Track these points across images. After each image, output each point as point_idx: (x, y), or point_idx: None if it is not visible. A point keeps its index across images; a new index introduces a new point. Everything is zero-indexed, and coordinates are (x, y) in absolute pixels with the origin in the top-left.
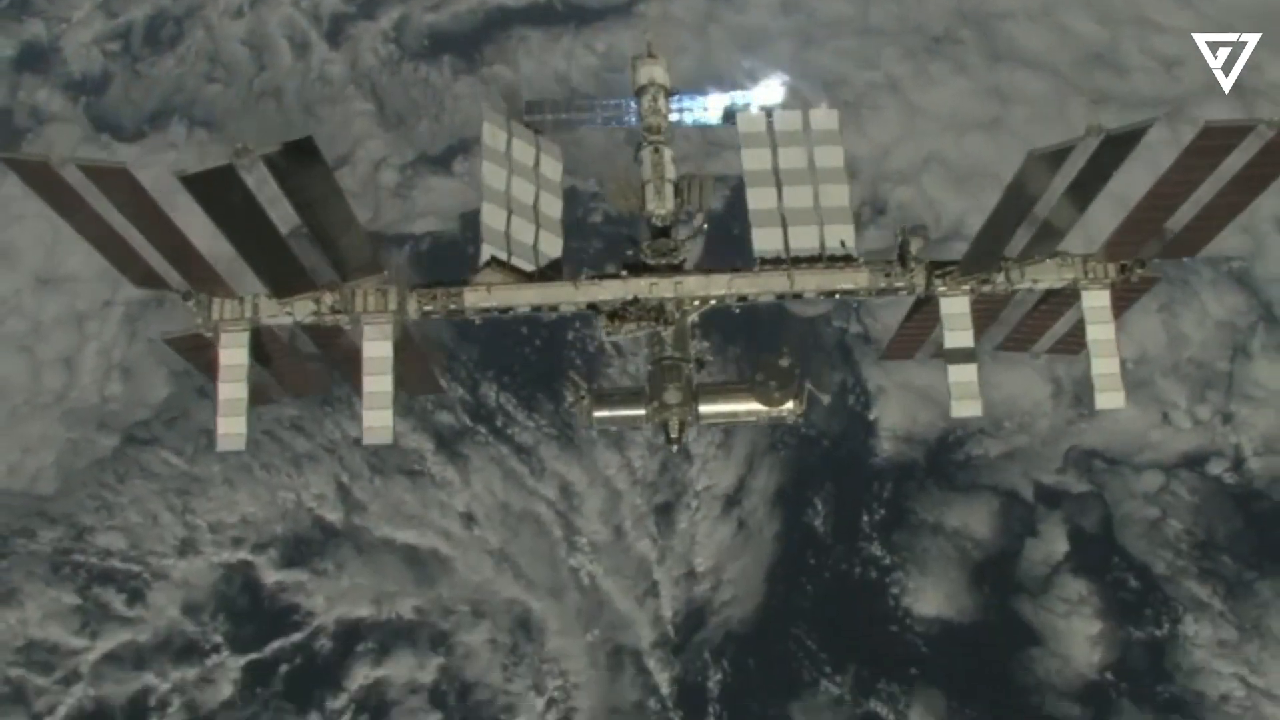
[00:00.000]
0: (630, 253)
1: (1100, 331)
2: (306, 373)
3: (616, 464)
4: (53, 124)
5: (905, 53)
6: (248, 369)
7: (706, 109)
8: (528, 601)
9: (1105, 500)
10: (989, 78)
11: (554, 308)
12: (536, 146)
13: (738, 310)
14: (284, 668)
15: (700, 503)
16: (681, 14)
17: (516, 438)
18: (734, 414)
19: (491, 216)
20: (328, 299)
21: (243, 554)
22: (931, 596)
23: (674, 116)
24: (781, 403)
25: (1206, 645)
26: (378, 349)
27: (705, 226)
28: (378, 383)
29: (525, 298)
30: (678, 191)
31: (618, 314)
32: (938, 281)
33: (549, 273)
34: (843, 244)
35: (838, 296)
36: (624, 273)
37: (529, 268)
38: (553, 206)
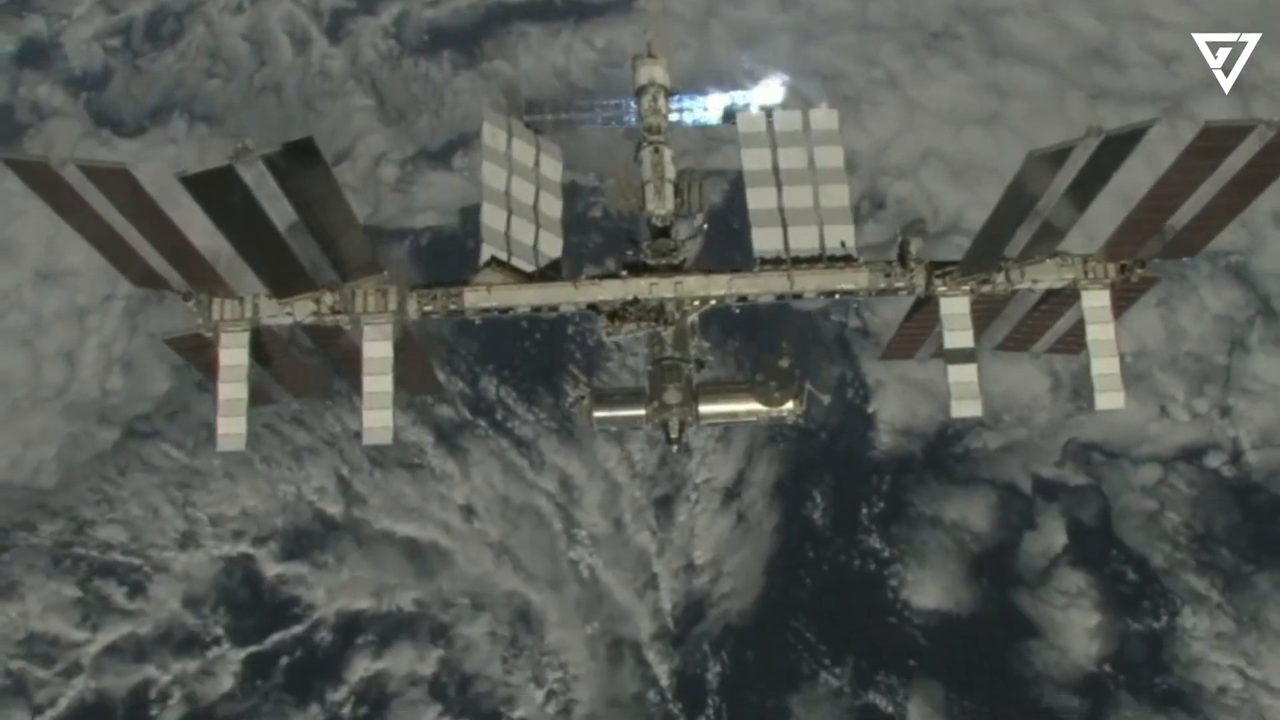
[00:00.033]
0: (630, 253)
1: (1100, 331)
2: (306, 373)
3: (616, 457)
4: (53, 119)
5: (904, 48)
6: (248, 369)
7: (706, 109)
8: (527, 594)
9: (1103, 493)
10: (987, 73)
11: (554, 308)
12: (536, 146)
13: (737, 311)
14: (284, 660)
15: (700, 495)
16: (681, 9)
17: (516, 431)
18: (734, 414)
19: (491, 217)
20: (328, 299)
21: (243, 547)
22: (930, 589)
23: (674, 116)
24: (781, 403)
25: (1204, 637)
26: (378, 349)
27: (705, 227)
28: (378, 383)
29: (525, 298)
30: (677, 191)
31: (618, 314)
32: (938, 282)
33: (549, 273)
34: (843, 244)
35: (838, 297)
36: (624, 273)
37: (529, 268)
38: (553, 206)
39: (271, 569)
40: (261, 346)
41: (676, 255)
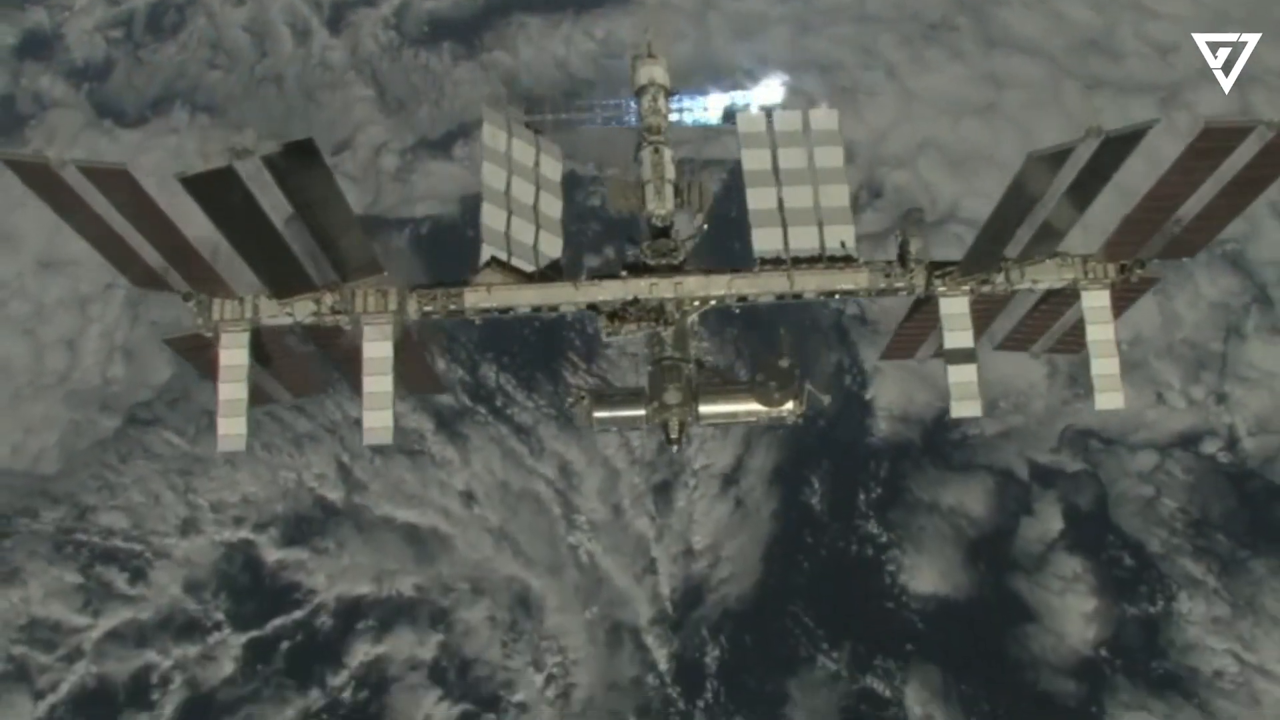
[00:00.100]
0: (630, 253)
1: (1100, 332)
2: (306, 373)
3: (615, 443)
4: (55, 110)
5: (902, 39)
6: (248, 369)
7: (706, 109)
8: (527, 579)
9: (1100, 479)
10: (984, 64)
11: (554, 308)
12: (536, 147)
13: (737, 311)
14: (285, 645)
15: (698, 481)
16: (680, 1)
17: (516, 417)
18: (734, 414)
19: (491, 217)
20: (328, 299)
21: (244, 533)
22: (927, 574)
23: (674, 116)
24: (781, 403)
25: (1200, 622)
26: (378, 349)
27: (705, 227)
28: (378, 383)
29: (525, 298)
30: (677, 191)
31: (618, 314)
32: (937, 282)
33: (549, 273)
34: (843, 244)
35: (837, 297)
36: (624, 273)
37: (529, 268)
38: (553, 206)
39: (272, 554)
40: (261, 346)
41: (677, 255)
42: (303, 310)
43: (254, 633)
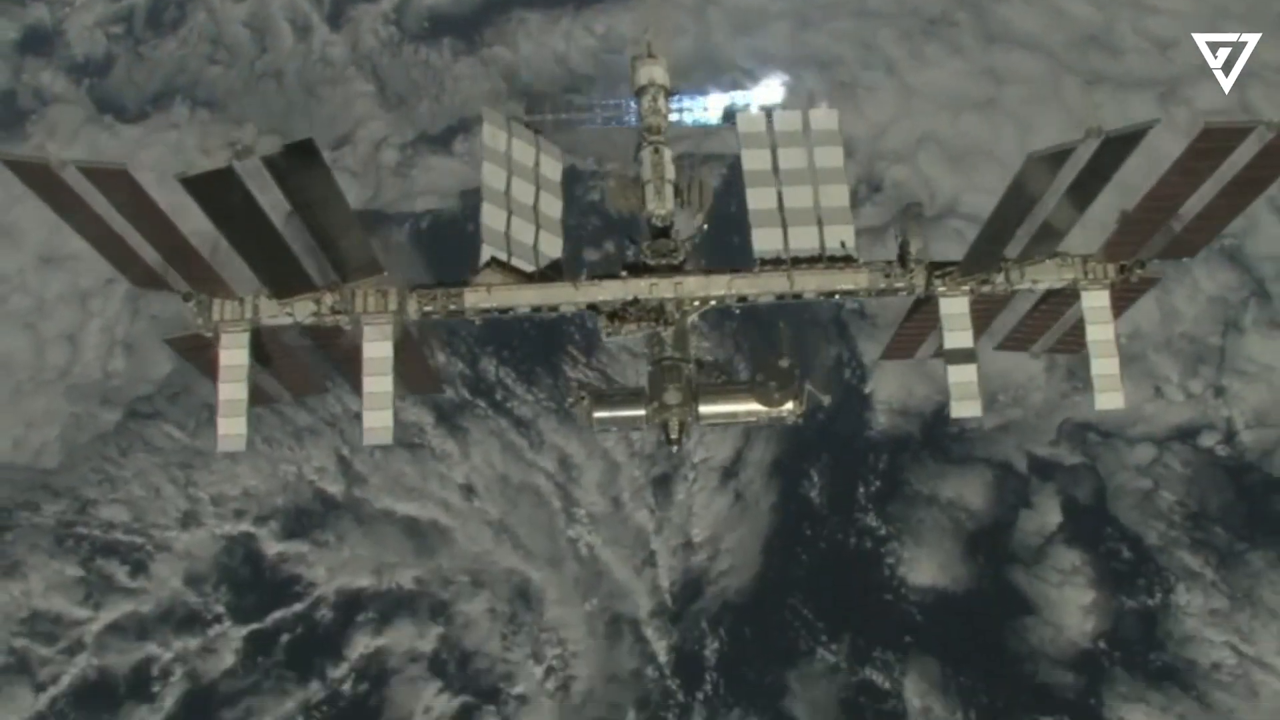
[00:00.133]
0: (630, 253)
1: (1100, 332)
2: (306, 372)
3: (614, 437)
4: (56, 106)
5: (901, 34)
6: (248, 369)
7: (706, 109)
8: (527, 571)
9: (1098, 472)
10: (984, 59)
11: (554, 308)
12: (536, 147)
13: (737, 311)
14: (285, 637)
15: (698, 474)
16: None
17: (515, 411)
18: (734, 414)
19: (491, 217)
20: (328, 299)
21: (244, 526)
22: (926, 566)
23: (674, 116)
24: (781, 403)
25: (1198, 614)
26: (378, 349)
27: (705, 227)
28: (378, 383)
29: (525, 298)
30: (678, 191)
31: (618, 314)
32: (937, 282)
33: (549, 273)
34: (843, 244)
35: (838, 297)
36: (624, 273)
37: (529, 268)
38: (553, 207)
39: (272, 547)
40: (261, 346)
41: (677, 255)
42: (303, 310)
43: (254, 625)
